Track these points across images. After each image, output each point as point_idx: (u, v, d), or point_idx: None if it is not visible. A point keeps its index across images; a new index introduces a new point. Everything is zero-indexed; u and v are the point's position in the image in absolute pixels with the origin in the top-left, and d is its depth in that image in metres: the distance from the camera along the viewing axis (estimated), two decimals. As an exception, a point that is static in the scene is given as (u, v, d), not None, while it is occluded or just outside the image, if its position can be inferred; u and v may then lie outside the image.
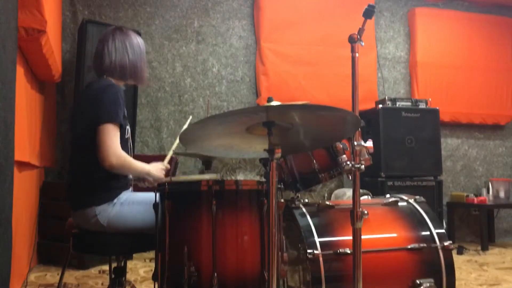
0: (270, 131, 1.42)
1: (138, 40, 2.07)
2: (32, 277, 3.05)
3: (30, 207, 3.08)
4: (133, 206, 1.87)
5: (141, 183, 2.10)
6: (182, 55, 4.53)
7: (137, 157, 2.16)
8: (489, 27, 5.36)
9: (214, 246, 1.55)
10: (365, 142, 1.65)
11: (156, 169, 1.97)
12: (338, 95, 4.57)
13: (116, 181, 1.90)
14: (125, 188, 1.95)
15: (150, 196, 1.84)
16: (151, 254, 1.88)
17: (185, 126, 2.20)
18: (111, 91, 1.87)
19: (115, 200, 1.86)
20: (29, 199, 3.04)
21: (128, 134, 1.99)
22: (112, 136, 1.81)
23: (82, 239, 1.94)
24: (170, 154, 2.16)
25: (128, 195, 1.92)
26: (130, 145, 2.04)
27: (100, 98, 1.85)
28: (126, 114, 1.96)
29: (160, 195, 1.68)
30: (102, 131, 1.80)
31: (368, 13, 1.62)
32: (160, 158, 2.12)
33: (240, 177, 4.44)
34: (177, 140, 2.15)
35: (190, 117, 2.16)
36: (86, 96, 1.95)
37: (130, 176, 2.07)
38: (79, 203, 1.88)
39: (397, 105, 4.40)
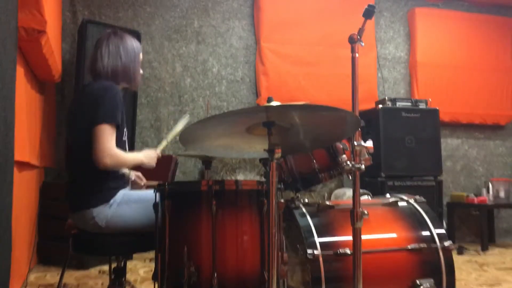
0: (270, 131, 1.42)
1: (133, 44, 2.06)
2: (32, 277, 3.05)
3: (30, 207, 3.08)
4: (131, 205, 1.87)
5: (136, 185, 2.13)
6: (182, 55, 4.53)
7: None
8: (489, 27, 5.36)
9: (214, 246, 1.55)
10: (365, 142, 1.65)
11: (148, 156, 2.02)
12: (338, 95, 4.57)
13: (112, 182, 1.90)
14: (122, 187, 1.94)
15: (147, 194, 1.85)
16: (151, 254, 1.88)
17: (181, 125, 2.25)
18: (111, 91, 1.87)
19: (112, 201, 1.86)
20: (29, 199, 3.04)
21: (125, 137, 1.99)
22: (107, 137, 1.81)
23: (81, 240, 1.94)
24: (163, 143, 2.20)
25: (124, 194, 1.91)
26: (127, 148, 2.04)
27: (99, 98, 1.85)
28: (124, 116, 1.96)
29: (160, 195, 1.68)
30: (98, 131, 1.80)
31: (368, 13, 1.62)
32: (160, 158, 2.12)
33: (240, 177, 4.44)
34: (174, 131, 2.20)
35: (187, 115, 2.21)
36: (85, 96, 1.95)
37: (128, 174, 2.07)
38: (77, 205, 1.88)
39: (397, 105, 4.40)
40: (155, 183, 2.11)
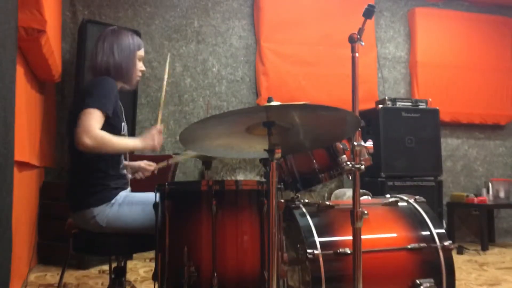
0: (270, 131, 1.42)
1: (130, 41, 2.02)
2: (32, 277, 3.05)
3: (30, 207, 3.08)
4: (132, 206, 1.86)
5: (138, 174, 2.12)
6: (182, 55, 4.54)
7: (137, 157, 2.16)
8: (489, 27, 5.36)
9: (214, 246, 1.55)
10: (365, 142, 1.65)
11: (147, 138, 1.93)
12: (338, 95, 4.57)
13: (113, 181, 1.89)
14: (123, 188, 1.94)
15: (149, 197, 1.84)
16: (151, 254, 1.88)
17: (166, 72, 2.25)
18: (102, 83, 1.86)
19: (113, 201, 1.85)
20: (29, 199, 3.04)
21: (125, 131, 1.98)
22: (90, 118, 1.74)
23: (82, 240, 1.94)
24: (160, 111, 2.15)
25: (126, 195, 1.91)
26: None
27: (90, 89, 1.85)
28: (122, 110, 1.95)
29: (160, 195, 1.68)
30: (82, 114, 1.75)
31: (368, 13, 1.62)
32: (160, 159, 2.12)
33: (240, 177, 4.44)
34: (163, 87, 2.21)
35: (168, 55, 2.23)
36: (79, 92, 1.95)
37: (129, 175, 2.07)
38: (77, 204, 1.87)
39: (397, 105, 4.41)
40: (164, 163, 2.10)
